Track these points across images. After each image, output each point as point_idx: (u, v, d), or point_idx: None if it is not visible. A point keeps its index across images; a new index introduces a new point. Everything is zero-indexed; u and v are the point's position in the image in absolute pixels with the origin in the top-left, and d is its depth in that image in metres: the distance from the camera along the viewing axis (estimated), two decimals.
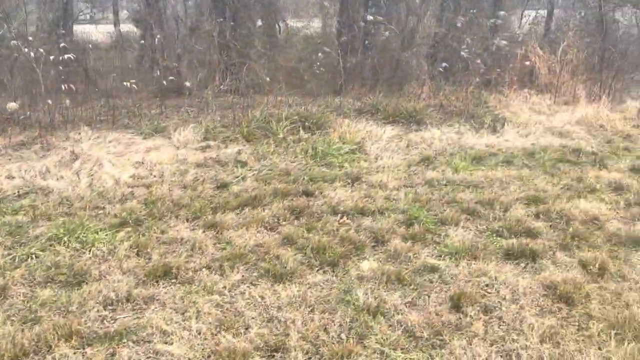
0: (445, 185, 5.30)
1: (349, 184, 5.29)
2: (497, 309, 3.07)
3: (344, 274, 3.47)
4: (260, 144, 6.61)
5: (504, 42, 8.39)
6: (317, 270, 3.51)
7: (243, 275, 3.36)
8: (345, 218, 4.44)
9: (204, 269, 3.45)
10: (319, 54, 9.96)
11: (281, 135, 6.82)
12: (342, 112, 8.76)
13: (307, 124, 7.34)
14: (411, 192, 5.07)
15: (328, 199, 4.79)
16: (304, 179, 5.37)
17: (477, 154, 6.37)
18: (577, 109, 8.37)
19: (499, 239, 4.07)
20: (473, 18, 8.79)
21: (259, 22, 10.90)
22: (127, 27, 14.21)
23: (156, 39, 9.83)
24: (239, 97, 9.65)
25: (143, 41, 10.58)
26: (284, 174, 5.55)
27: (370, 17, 8.44)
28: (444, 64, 8.34)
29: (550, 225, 4.32)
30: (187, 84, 9.32)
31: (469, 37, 8.13)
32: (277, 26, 13.65)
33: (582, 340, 2.80)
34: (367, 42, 10.90)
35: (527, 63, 9.13)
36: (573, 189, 5.15)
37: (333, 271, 3.51)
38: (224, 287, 3.22)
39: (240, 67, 10.30)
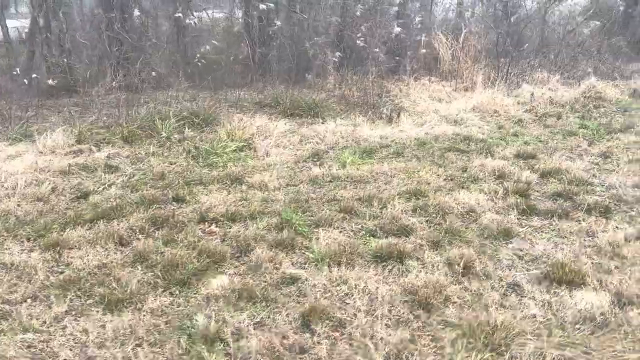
0: (330, 182, 5.06)
1: (228, 186, 4.94)
2: (349, 323, 2.84)
3: (194, 295, 3.14)
4: (142, 145, 6.13)
5: (398, 29, 8.27)
6: (163, 292, 3.15)
7: (70, 305, 2.95)
8: (212, 226, 4.11)
9: (28, 300, 3.01)
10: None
11: (165, 135, 6.36)
12: (240, 106, 8.39)
13: (196, 120, 6.91)
14: (292, 191, 4.79)
15: (199, 205, 4.42)
16: (178, 182, 4.97)
17: (369, 146, 6.19)
18: (474, 95, 8.41)
19: (371, 239, 3.87)
20: (375, 5, 8.63)
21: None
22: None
23: (46, 34, 9.04)
24: (132, 93, 9.08)
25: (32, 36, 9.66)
26: (159, 178, 5.12)
27: (263, 6, 8.06)
28: (337, 54, 8.11)
29: (427, 220, 4.17)
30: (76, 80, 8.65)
31: (364, 26, 7.94)
32: (191, 16, 12.97)
33: (433, 353, 2.62)
34: (270, 32, 10.56)
35: (424, 51, 9.08)
36: (457, 179, 5.06)
37: (181, 292, 3.16)
38: (44, 322, 2.80)
39: (134, 62, 9.68)
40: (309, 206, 4.44)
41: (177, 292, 3.16)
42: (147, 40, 10.04)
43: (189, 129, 6.66)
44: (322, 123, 7.23)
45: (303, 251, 3.69)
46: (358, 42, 7.90)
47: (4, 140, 6.16)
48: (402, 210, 4.31)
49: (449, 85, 9.57)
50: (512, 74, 9.64)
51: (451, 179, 5.08)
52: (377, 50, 8.25)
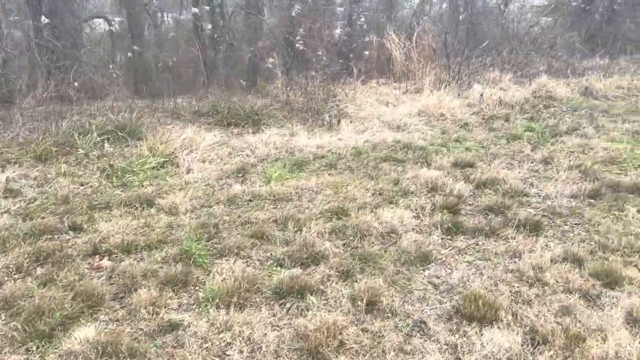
0: (249, 201, 4.67)
1: (136, 209, 4.51)
2: None
3: (53, 350, 2.71)
4: (55, 163, 5.66)
5: (338, 30, 7.91)
6: (18, 348, 2.72)
7: None
8: (104, 259, 3.68)
9: None
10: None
11: (83, 151, 5.90)
12: (178, 115, 7.95)
13: (121, 134, 6.45)
14: (205, 214, 4.39)
15: (95, 235, 3.99)
16: (81, 207, 4.52)
17: (302, 158, 5.81)
18: (422, 98, 8.10)
19: (278, 269, 3.49)
20: (315, 6, 8.25)
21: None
22: None
23: None
24: (64, 104, 8.58)
25: None
26: (62, 202, 4.66)
27: (195, 10, 7.62)
28: (271, 59, 7.71)
29: (344, 244, 3.80)
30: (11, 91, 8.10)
31: (302, 28, 7.56)
32: (148, 20, 12.39)
33: None
34: (215, 35, 10.12)
35: (367, 53, 8.74)
36: (386, 194, 4.71)
37: (40, 347, 2.73)
38: None
39: (68, 70, 9.15)
40: (217, 231, 4.04)
41: (35, 347, 2.73)
42: (81, 47, 9.53)
43: (110, 143, 6.22)
44: (258, 132, 6.84)
45: (197, 288, 3.29)
46: (297, 45, 7.51)
47: None
48: (318, 234, 3.94)
49: (399, 87, 9.28)
50: (464, 74, 9.37)
51: (380, 194, 4.72)
52: (320, 53, 7.88)
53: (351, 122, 7.18)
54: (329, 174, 5.30)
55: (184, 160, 5.74)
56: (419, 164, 5.50)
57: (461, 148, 6.05)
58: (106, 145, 6.04)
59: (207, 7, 8.25)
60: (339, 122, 7.02)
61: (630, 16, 12.52)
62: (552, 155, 5.63)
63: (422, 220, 4.17)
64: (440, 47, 10.19)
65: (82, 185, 5.13)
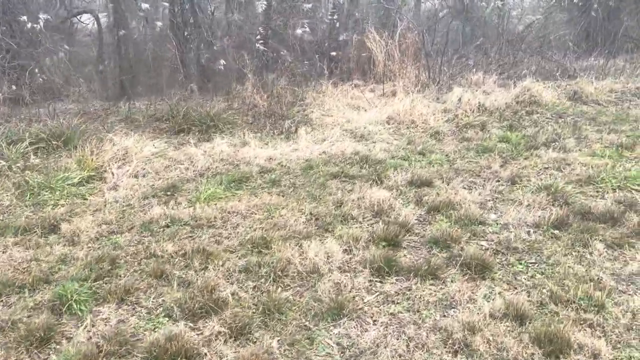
0: (167, 226, 4.10)
1: (37, 235, 3.96)
2: None
3: None
4: None
5: (299, 30, 7.31)
6: None
7: None
8: None
9: None
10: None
11: (5, 163, 5.35)
12: (132, 120, 7.39)
13: (55, 143, 5.91)
14: (109, 243, 3.83)
15: None
16: None
17: (246, 172, 5.23)
18: (395, 102, 7.48)
19: (164, 322, 2.92)
20: (282, 3, 7.66)
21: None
22: None
23: None
24: (18, 107, 8.07)
25: None
26: None
27: (146, 5, 7.05)
28: (221, 62, 7.12)
29: (254, 288, 3.23)
30: None
31: (262, 27, 6.97)
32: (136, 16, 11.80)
33: None
34: (186, 33, 9.54)
35: (333, 54, 8.12)
36: (323, 218, 4.12)
37: None
38: None
39: (23, 71, 8.64)
40: (113, 268, 3.48)
41: None
42: (39, 45, 8.98)
43: (42, 154, 5.69)
44: (208, 141, 6.27)
45: (57, 348, 2.73)
46: (257, 45, 6.92)
47: None
48: (226, 273, 3.37)
49: (373, 89, 8.66)
50: (445, 75, 8.74)
51: (316, 219, 4.14)
52: (282, 53, 7.28)
53: (312, 130, 6.58)
54: (268, 193, 4.71)
55: (112, 174, 5.19)
56: (371, 181, 4.90)
57: (424, 162, 5.44)
58: (32, 156, 5.49)
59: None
60: (296, 130, 6.43)
61: (631, 12, 11.79)
62: (522, 172, 5.01)
63: (353, 255, 3.58)
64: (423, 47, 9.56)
65: None
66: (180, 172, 5.33)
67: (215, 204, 4.46)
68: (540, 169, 5.10)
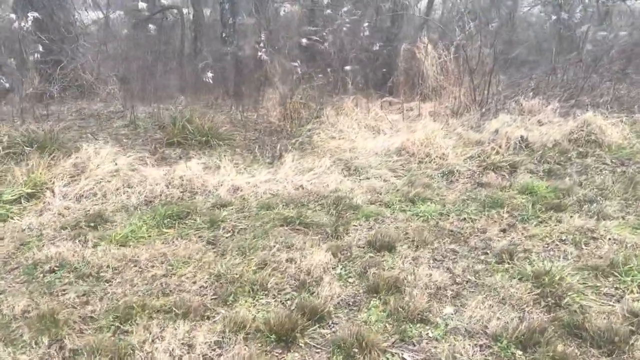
0: (52, 271, 3.47)
1: None
2: None
3: None
4: None
5: (304, 40, 6.40)
6: None
7: None
8: None
9: None
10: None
11: None
12: (135, 126, 6.97)
13: (28, 148, 5.57)
14: None
15: None
16: None
17: (192, 206, 4.50)
18: (418, 127, 6.38)
19: None
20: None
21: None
22: None
23: None
24: (42, 103, 7.97)
25: None
26: None
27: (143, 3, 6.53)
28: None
29: None
30: None
31: (264, 33, 6.17)
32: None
33: None
34: (224, 35, 9.01)
35: (348, 68, 7.08)
36: (227, 287, 3.27)
37: None
38: None
39: (56, 67, 8.57)
40: None
41: None
42: (73, 42, 8.88)
43: (5, 160, 5.36)
44: (184, 159, 5.63)
45: None
46: (260, 53, 6.15)
47: None
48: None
49: (432, 106, 7.58)
50: (494, 97, 7.43)
51: (221, 285, 3.30)
52: (296, 64, 6.45)
53: (303, 156, 5.71)
54: (195, 238, 3.95)
55: (53, 193, 4.69)
56: (325, 235, 3.96)
57: (409, 213, 4.37)
58: None
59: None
60: (280, 155, 5.59)
61: None
62: (524, 244, 3.81)
63: (222, 352, 2.71)
64: (478, 61, 8.27)
65: None
66: (126, 196, 4.72)
67: (124, 247, 3.77)
68: (552, 242, 3.85)
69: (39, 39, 8.61)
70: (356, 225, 4.16)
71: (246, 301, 3.13)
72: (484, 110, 7.20)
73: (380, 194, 4.81)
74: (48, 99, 8.23)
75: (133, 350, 2.65)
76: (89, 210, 4.45)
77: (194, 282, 3.32)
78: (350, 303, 3.14)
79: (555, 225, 4.09)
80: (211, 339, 2.77)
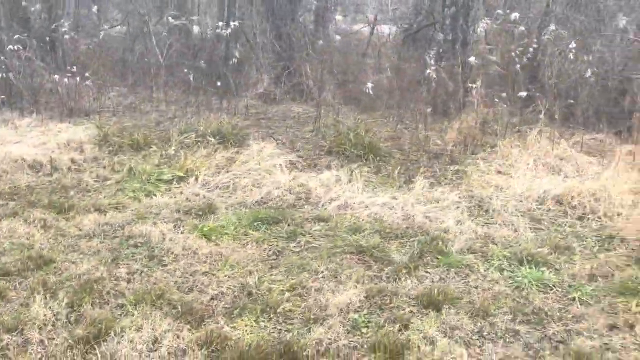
0: (133, 247, 4.00)
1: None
2: None
3: None
4: (126, 154, 6.12)
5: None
6: None
7: None
8: None
9: None
10: None
11: (156, 148, 6.18)
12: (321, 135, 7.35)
13: (211, 140, 6.41)
14: None
15: None
16: None
17: (286, 214, 4.59)
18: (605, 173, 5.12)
19: None
20: None
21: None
22: None
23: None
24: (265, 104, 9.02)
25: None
26: None
27: None
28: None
29: None
30: None
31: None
32: None
33: None
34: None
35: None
36: (240, 305, 3.26)
37: None
38: None
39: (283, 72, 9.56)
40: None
41: None
42: (301, 49, 9.76)
43: (191, 147, 6.28)
44: (330, 169, 5.72)
45: None
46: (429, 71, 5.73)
47: None
48: None
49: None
50: None
51: (239, 296, 3.31)
52: (475, 86, 5.83)
53: (436, 185, 5.19)
54: (268, 245, 4.02)
55: (196, 180, 5.34)
56: (382, 274, 3.57)
57: (503, 276, 3.59)
58: (181, 148, 6.10)
59: None
60: (410, 181, 5.18)
61: None
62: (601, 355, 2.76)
63: None
64: None
65: None
66: (247, 195, 5.06)
67: (204, 239, 4.08)
68: None
69: (274, 47, 9.82)
70: (429, 273, 3.63)
71: (247, 320, 3.08)
72: None
73: (495, 244, 4.07)
74: (272, 99, 9.33)
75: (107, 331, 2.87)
76: (208, 200, 4.93)
77: (221, 288, 3.41)
78: (337, 354, 2.79)
79: None
80: (178, 345, 2.82)
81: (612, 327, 3.02)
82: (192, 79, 8.23)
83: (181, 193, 5.08)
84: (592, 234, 4.28)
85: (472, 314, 3.13)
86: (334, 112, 7.76)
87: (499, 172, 5.59)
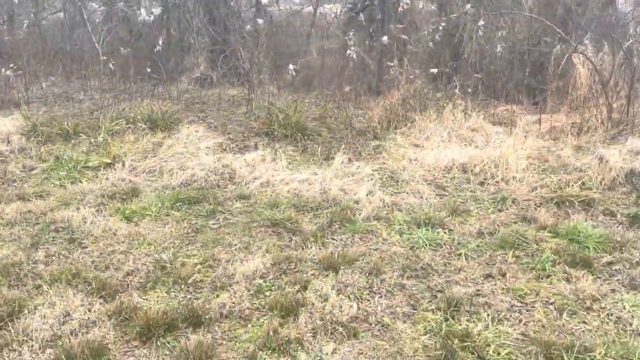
0: (54, 232, 4.13)
1: None
2: None
3: None
4: (55, 144, 6.17)
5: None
6: None
7: None
8: None
9: None
10: None
11: (85, 137, 6.25)
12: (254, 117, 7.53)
13: (141, 125, 6.52)
14: None
15: None
16: None
17: (207, 194, 4.80)
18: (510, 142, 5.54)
19: None
20: None
21: None
22: None
23: None
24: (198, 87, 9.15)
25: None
26: None
27: None
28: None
29: None
30: None
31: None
32: None
33: None
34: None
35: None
36: (155, 279, 3.48)
37: None
38: None
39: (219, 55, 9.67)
40: None
41: None
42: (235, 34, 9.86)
43: (119, 134, 6.38)
44: (255, 150, 5.94)
45: None
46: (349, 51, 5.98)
47: None
48: None
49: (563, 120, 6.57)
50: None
51: (153, 271, 3.53)
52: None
53: (361, 159, 5.51)
54: (187, 223, 4.24)
55: (123, 166, 5.47)
56: (294, 244, 3.86)
57: (404, 237, 3.94)
58: (108, 135, 6.19)
59: None
60: (331, 156, 5.47)
61: None
62: (485, 299, 3.13)
63: None
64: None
65: None
66: (172, 177, 5.24)
67: (125, 221, 4.26)
68: (531, 302, 3.08)
69: (207, 31, 9.89)
70: (334, 240, 3.93)
71: (159, 292, 3.30)
72: (621, 130, 5.87)
73: (400, 211, 4.41)
74: (208, 82, 9.43)
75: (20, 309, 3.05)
76: (133, 184, 5.09)
77: (136, 264, 3.61)
78: (238, 316, 3.06)
79: (556, 284, 3.25)
80: (89, 317, 3.02)
81: (487, 276, 3.40)
82: (130, 66, 8.25)
83: (107, 179, 5.21)
84: (489, 196, 4.68)
85: (366, 272, 3.45)
86: (268, 93, 7.95)
87: (415, 145, 5.95)
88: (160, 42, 9.13)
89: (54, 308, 3.07)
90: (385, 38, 6.24)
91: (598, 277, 3.34)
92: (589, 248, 3.68)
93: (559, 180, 4.78)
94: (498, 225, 4.10)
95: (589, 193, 4.49)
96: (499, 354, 2.67)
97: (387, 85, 7.69)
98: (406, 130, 6.37)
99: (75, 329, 2.91)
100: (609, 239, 3.77)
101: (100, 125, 6.49)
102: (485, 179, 4.99)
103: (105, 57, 8.47)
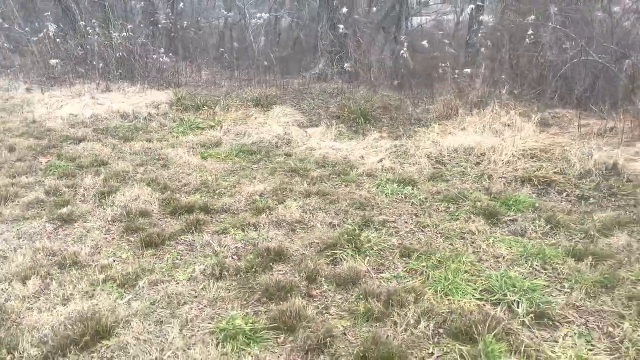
0: (135, 155, 6.26)
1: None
2: None
3: None
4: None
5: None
6: None
7: None
8: None
9: None
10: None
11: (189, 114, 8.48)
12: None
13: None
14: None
15: None
16: None
17: (261, 150, 6.54)
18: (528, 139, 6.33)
19: None
20: None
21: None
22: None
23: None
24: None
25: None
26: None
27: None
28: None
29: None
30: None
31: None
32: None
33: None
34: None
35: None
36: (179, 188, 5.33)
37: None
38: None
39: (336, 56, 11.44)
40: None
41: None
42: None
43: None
44: (324, 127, 7.54)
45: None
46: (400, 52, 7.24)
47: None
48: None
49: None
50: None
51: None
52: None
53: (384, 137, 6.77)
54: (236, 165, 6.04)
55: (221, 129, 7.50)
56: (296, 180, 5.41)
57: (384, 189, 5.22)
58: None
59: None
60: (364, 134, 6.80)
61: None
62: (381, 217, 4.33)
63: None
64: None
65: None
66: (248, 138, 7.09)
67: (193, 157, 6.22)
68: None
69: (328, 35, 11.69)
70: (327, 183, 5.37)
71: (196, 195, 5.12)
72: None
73: (392, 174, 5.67)
74: (323, 78, 11.25)
75: (116, 190, 5.10)
76: (219, 139, 7.05)
77: (191, 180, 5.49)
78: (232, 212, 4.72)
79: (454, 223, 4.32)
80: (147, 199, 4.96)
81: (413, 214, 4.57)
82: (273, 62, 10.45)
83: (205, 135, 7.27)
84: (474, 172, 5.66)
85: (329, 202, 4.85)
86: (371, 89, 9.47)
87: (447, 133, 7.00)
88: (291, 45, 11.21)
89: (132, 193, 5.06)
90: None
91: (492, 224, 4.31)
92: (509, 207, 4.60)
93: (542, 167, 5.55)
94: (456, 189, 5.15)
95: (554, 177, 5.24)
96: (372, 249, 3.93)
97: (459, 87, 8.72)
98: (451, 122, 7.41)
99: (139, 203, 4.86)
100: (532, 206, 4.63)
101: (220, 102, 8.68)
102: (480, 161, 5.94)
103: (260, 58, 10.87)
